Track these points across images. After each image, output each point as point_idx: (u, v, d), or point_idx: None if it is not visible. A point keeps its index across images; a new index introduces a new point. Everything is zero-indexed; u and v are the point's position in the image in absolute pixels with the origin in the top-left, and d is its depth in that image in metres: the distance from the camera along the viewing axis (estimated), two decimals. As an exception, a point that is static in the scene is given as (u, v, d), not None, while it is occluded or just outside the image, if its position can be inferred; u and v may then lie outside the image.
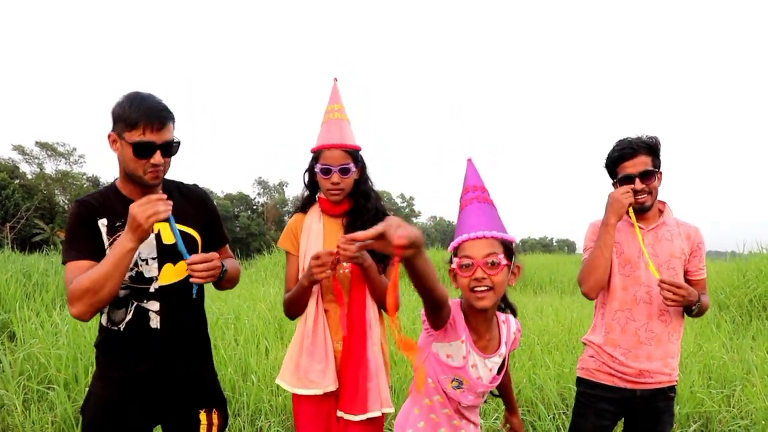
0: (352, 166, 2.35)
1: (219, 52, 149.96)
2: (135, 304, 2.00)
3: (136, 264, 1.97)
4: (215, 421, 2.18)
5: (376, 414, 2.29)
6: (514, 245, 1.85)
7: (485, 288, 1.76)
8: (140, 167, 1.94)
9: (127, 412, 2.03)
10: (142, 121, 1.89)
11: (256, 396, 4.15)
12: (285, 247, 2.47)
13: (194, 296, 2.08)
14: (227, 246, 2.34)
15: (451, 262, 1.87)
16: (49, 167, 45.66)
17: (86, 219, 1.96)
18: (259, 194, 67.48)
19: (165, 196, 1.84)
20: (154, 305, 2.01)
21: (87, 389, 2.13)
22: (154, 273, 2.01)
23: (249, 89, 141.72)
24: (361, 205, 2.39)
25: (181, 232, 2.02)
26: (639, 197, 2.39)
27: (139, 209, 1.78)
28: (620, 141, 2.47)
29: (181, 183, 2.22)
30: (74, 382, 4.13)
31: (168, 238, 2.04)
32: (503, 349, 1.93)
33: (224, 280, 2.11)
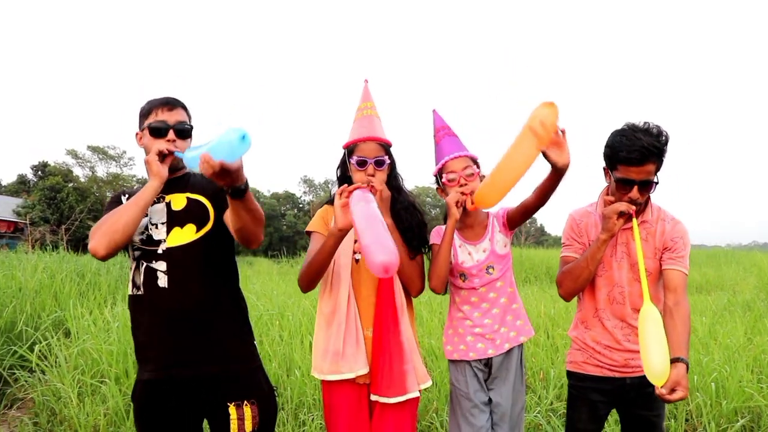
0: (386, 158, 2.40)
1: (264, 53, 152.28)
2: (145, 264, 2.13)
3: (146, 228, 2.15)
4: (247, 414, 2.10)
5: (415, 395, 2.32)
6: (478, 159, 2.50)
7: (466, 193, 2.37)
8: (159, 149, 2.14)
9: (170, 399, 2.10)
10: (153, 107, 2.19)
11: (300, 390, 4.22)
12: (314, 228, 2.45)
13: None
14: None
15: (437, 182, 2.53)
16: (101, 170, 47.17)
17: (116, 200, 2.25)
18: (305, 192, 68.23)
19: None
20: (161, 265, 2.12)
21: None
22: (163, 236, 2.15)
23: (294, 89, 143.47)
24: (393, 198, 2.42)
25: (192, 200, 2.21)
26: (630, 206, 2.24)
27: (147, 156, 2.13)
28: (630, 138, 2.18)
29: None
30: (125, 376, 4.30)
31: (177, 205, 2.20)
32: (490, 233, 2.50)
33: (245, 197, 1.90)
